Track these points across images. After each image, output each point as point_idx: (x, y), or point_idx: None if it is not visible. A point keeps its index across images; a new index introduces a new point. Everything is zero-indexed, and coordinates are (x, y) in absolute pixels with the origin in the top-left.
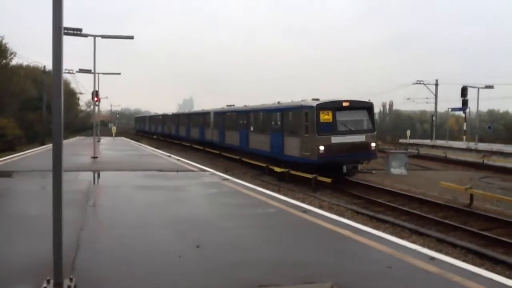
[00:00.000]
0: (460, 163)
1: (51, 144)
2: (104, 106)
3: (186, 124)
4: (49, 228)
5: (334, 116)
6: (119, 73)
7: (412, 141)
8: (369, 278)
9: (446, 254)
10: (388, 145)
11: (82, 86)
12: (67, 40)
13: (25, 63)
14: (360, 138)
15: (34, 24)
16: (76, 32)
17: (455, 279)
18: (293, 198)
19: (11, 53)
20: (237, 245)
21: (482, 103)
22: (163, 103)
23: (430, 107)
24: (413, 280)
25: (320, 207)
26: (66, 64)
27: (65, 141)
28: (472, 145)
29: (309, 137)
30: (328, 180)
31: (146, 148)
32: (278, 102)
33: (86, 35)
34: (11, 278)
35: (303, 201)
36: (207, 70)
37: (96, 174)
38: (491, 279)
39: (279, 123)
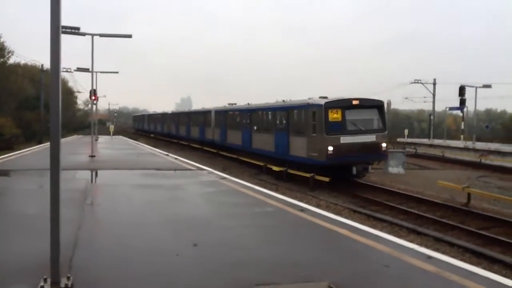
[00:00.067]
0: (457, 162)
1: (48, 143)
2: (102, 104)
3: (186, 123)
4: (47, 227)
5: (343, 115)
6: (117, 72)
7: (410, 140)
8: (367, 277)
9: (444, 253)
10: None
11: (80, 85)
12: (65, 38)
13: (22, 62)
14: (370, 138)
15: (32, 23)
16: (74, 31)
17: (453, 278)
18: (291, 197)
19: (9, 52)
20: (235, 244)
21: (480, 102)
22: (161, 102)
23: (428, 106)
24: (410, 279)
25: (318, 206)
26: (64, 63)
27: (62, 140)
28: (469, 144)
29: (316, 137)
30: (326, 179)
31: (144, 147)
32: (283, 101)
33: (84, 34)
34: (8, 277)
35: (300, 200)
36: (206, 70)
37: (94, 173)
38: (488, 278)
39: (284, 122)
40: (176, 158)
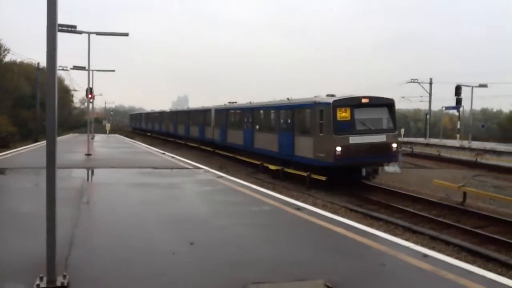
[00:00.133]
0: (453, 161)
1: (44, 141)
2: (98, 103)
3: (185, 122)
4: (42, 225)
5: (352, 114)
6: (113, 70)
7: (406, 139)
8: (363, 276)
9: (439, 251)
10: None
11: (76, 83)
12: (61, 37)
13: (18, 60)
14: (380, 138)
15: (28, 21)
16: (71, 29)
17: (448, 277)
18: (288, 195)
19: (5, 50)
20: (232, 243)
21: (476, 101)
22: (157, 100)
23: (424, 106)
24: (406, 277)
25: (314, 205)
26: (60, 61)
27: (58, 138)
28: (465, 143)
29: (324, 137)
30: (323, 178)
31: (141, 146)
32: (288, 99)
33: (80, 32)
34: (4, 275)
35: (297, 199)
36: (204, 69)
37: (90, 172)
38: (483, 276)
39: (289, 121)
40: (172, 157)
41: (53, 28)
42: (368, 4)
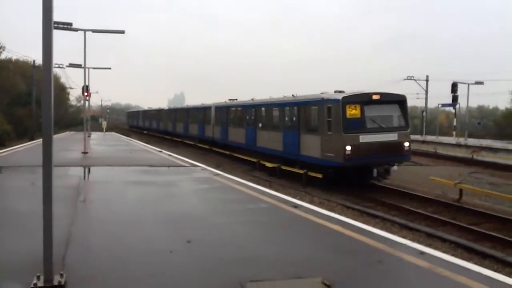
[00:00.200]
0: (449, 158)
1: (40, 139)
2: (95, 101)
3: (184, 119)
4: (39, 224)
5: (362, 111)
6: (110, 68)
7: None
8: (359, 273)
9: (436, 248)
10: None
11: (72, 81)
12: (57, 34)
13: (14, 58)
14: (392, 136)
15: (24, 18)
16: (67, 26)
17: (445, 274)
18: (284, 193)
19: (0, 47)
20: (229, 241)
21: (472, 99)
22: (154, 98)
23: (420, 103)
24: (403, 274)
25: (311, 202)
26: (56, 59)
27: (55, 136)
28: (461, 140)
29: (332, 135)
30: (319, 175)
31: (137, 144)
32: (293, 95)
33: (76, 29)
34: (0, 275)
35: (294, 197)
36: (202, 68)
37: (86, 170)
38: (479, 273)
39: (294, 119)
40: (169, 155)
41: (49, 25)
42: (368, 4)
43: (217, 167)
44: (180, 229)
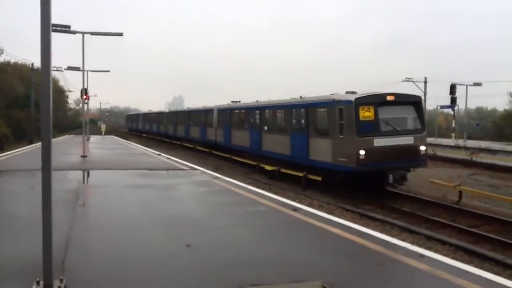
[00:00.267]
0: (448, 160)
1: (39, 143)
2: (93, 104)
3: (185, 122)
4: (38, 228)
5: (376, 113)
6: (108, 71)
7: None
8: (360, 276)
9: (436, 251)
10: None
11: (71, 84)
12: (55, 37)
13: (12, 61)
14: (407, 140)
15: (22, 21)
16: (65, 29)
17: (445, 277)
18: (284, 196)
19: None
20: (228, 244)
21: (471, 100)
22: (152, 100)
23: None
24: (403, 278)
25: (310, 205)
26: (55, 62)
27: (54, 140)
28: (460, 142)
29: (345, 139)
30: (319, 178)
31: (136, 147)
32: (301, 97)
33: (74, 32)
34: (0, 279)
35: (293, 200)
36: (201, 71)
37: (85, 173)
38: (480, 276)
39: (302, 121)
40: (168, 158)
41: (47, 28)
42: (368, 5)
43: (216, 170)
44: (180, 232)
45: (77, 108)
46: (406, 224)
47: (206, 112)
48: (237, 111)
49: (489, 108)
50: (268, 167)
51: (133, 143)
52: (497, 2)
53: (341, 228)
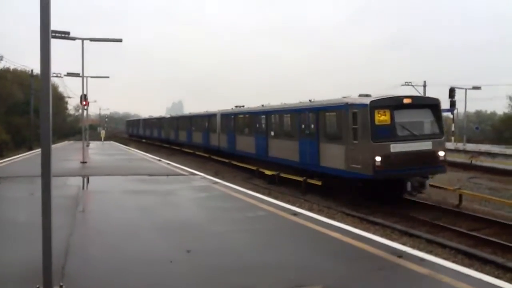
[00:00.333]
0: (448, 163)
1: (39, 149)
2: (93, 110)
3: (187, 128)
4: (38, 235)
5: (392, 117)
6: (108, 77)
7: None
8: (360, 280)
9: (436, 255)
10: None
11: (70, 90)
12: (55, 43)
13: (12, 67)
14: (425, 145)
15: (21, 28)
16: (64, 35)
17: (445, 280)
18: (283, 201)
19: None
20: (229, 250)
21: (470, 104)
22: (152, 106)
23: None
24: (403, 281)
25: (310, 210)
26: (54, 68)
27: (53, 146)
28: (460, 145)
29: (359, 144)
30: (318, 182)
31: (136, 152)
32: (310, 100)
33: (74, 38)
34: (0, 286)
35: (293, 204)
36: (200, 76)
37: (85, 179)
38: (480, 279)
39: (312, 126)
40: (168, 163)
41: (47, 35)
42: (368, 7)
43: (216, 175)
44: (180, 238)
45: (76, 114)
46: (406, 228)
47: (208, 117)
48: (241, 116)
49: (488, 112)
50: (267, 172)
51: (133, 149)
52: (497, 3)
53: (341, 232)
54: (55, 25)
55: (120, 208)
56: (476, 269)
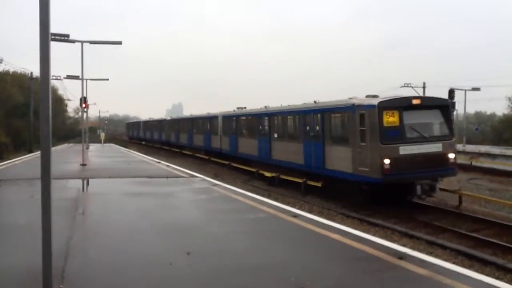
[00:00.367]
0: None
1: (39, 152)
2: (92, 112)
3: (188, 130)
4: (38, 237)
5: (401, 118)
6: (107, 79)
7: None
8: (360, 282)
9: (436, 256)
10: None
11: (70, 92)
12: (54, 46)
13: (12, 70)
14: (435, 147)
15: (21, 30)
16: (64, 38)
17: (446, 281)
18: (283, 202)
19: None
20: (228, 252)
21: (469, 105)
22: (151, 108)
23: None
24: (404, 283)
25: (311, 212)
26: (54, 71)
27: (53, 149)
28: (460, 146)
29: (367, 146)
30: (318, 184)
31: (136, 155)
32: (315, 102)
33: (73, 41)
34: None
35: (293, 206)
36: (200, 78)
37: (85, 182)
38: (481, 281)
39: (317, 128)
40: (168, 166)
41: (46, 37)
42: (368, 9)
43: (215, 177)
44: (180, 240)
45: (76, 116)
46: (407, 229)
47: (210, 119)
48: (244, 117)
49: (488, 113)
50: (267, 174)
51: (132, 151)
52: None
53: (341, 234)
54: (54, 27)
55: (120, 211)
56: (477, 270)
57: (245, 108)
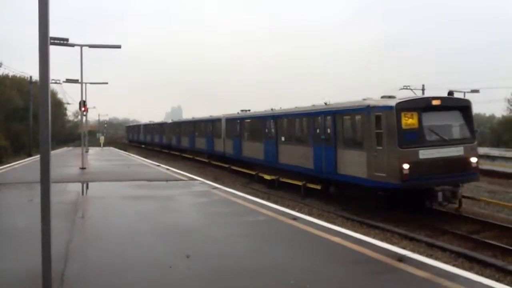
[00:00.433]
0: None
1: (38, 155)
2: (92, 115)
3: (190, 133)
4: (37, 240)
5: (420, 120)
6: (106, 83)
7: None
8: (360, 284)
9: (436, 258)
10: None
11: (70, 96)
12: (54, 49)
13: (11, 74)
14: (457, 151)
15: (20, 34)
16: (63, 42)
17: (446, 284)
18: (283, 205)
19: None
20: (228, 255)
21: None
22: (151, 112)
23: None
24: (404, 285)
25: (310, 214)
26: (53, 75)
27: (52, 152)
28: None
29: (384, 150)
30: (318, 187)
31: (135, 158)
32: (325, 103)
33: (73, 45)
34: None
35: (293, 209)
36: (200, 81)
37: (84, 185)
38: (480, 283)
39: (329, 130)
40: (167, 169)
41: (45, 41)
42: (368, 8)
43: (215, 181)
44: (179, 243)
45: (75, 120)
46: (406, 232)
47: (213, 122)
48: (249, 120)
49: (487, 115)
50: (267, 177)
51: (132, 155)
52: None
53: (341, 236)
54: (53, 28)
55: (119, 214)
56: (476, 273)
57: (249, 110)
